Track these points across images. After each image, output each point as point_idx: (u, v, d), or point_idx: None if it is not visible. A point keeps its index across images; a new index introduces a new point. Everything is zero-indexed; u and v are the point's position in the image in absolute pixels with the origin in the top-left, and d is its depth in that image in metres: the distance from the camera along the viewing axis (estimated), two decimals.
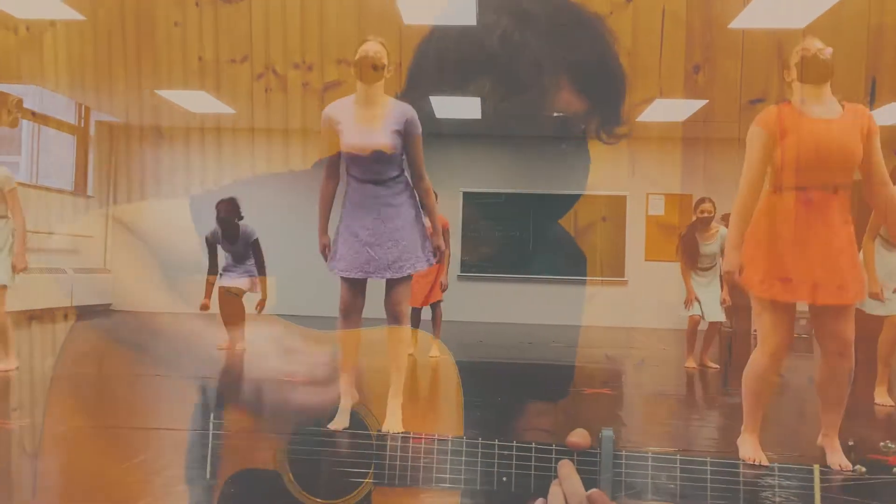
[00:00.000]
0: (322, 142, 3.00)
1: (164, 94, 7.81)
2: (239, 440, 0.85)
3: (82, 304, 7.55)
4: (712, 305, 5.47)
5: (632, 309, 8.74)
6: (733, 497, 0.67)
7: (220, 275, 4.76)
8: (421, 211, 3.01)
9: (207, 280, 4.27)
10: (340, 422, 0.83)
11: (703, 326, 5.58)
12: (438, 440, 0.75)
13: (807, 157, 2.65)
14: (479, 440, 0.73)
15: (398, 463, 0.76)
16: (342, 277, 2.96)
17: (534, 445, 0.72)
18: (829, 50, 2.70)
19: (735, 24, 5.14)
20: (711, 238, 5.42)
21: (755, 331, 2.95)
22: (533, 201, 8.57)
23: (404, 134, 2.87)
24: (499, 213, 9.18)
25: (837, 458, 2.78)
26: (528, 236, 8.67)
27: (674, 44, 5.13)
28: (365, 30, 3.50)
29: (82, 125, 9.22)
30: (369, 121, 2.86)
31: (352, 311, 2.98)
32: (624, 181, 8.90)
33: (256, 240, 4.98)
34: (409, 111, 2.85)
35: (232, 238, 4.70)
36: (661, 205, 9.12)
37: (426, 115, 2.99)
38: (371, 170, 2.87)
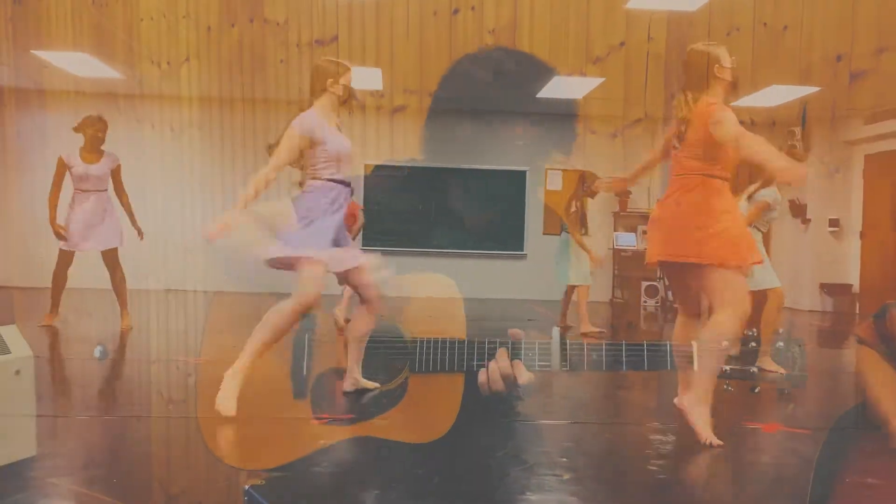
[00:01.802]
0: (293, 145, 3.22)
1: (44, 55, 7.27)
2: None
3: None
4: (583, 269, 5.90)
5: (530, 282, 8.97)
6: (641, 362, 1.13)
7: None
8: None
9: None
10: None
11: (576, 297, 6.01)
12: (443, 342, 1.19)
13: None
14: (457, 339, 1.19)
15: (424, 358, 1.20)
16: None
17: (495, 340, 1.17)
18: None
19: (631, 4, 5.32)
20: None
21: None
22: (435, 175, 8.58)
23: None
24: (401, 186, 9.17)
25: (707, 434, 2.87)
26: (430, 210, 8.69)
27: (656, 76, 6.43)
28: None
29: None
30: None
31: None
32: (524, 157, 9.07)
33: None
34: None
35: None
36: (558, 180, 9.35)
37: None
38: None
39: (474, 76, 1.53)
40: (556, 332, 1.13)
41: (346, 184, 3.31)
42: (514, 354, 1.14)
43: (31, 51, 7.14)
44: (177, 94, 8.73)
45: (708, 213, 2.93)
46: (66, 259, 5.50)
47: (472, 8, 5.62)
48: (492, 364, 1.14)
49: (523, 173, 9.19)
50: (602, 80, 7.46)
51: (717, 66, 2.96)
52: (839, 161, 8.90)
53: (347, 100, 3.34)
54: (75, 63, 7.49)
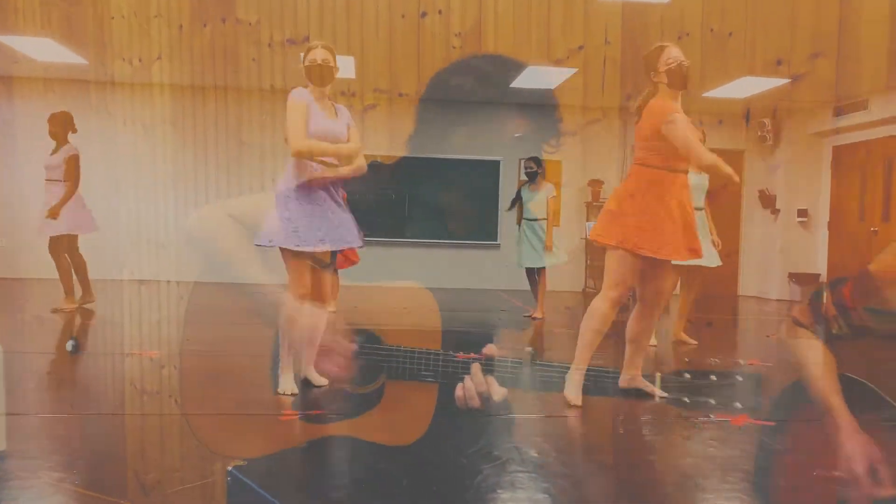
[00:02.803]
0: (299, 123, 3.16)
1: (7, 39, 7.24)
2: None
3: None
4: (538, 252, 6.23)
5: (504, 271, 9.17)
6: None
7: None
8: None
9: None
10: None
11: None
12: (421, 352, 1.22)
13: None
14: (432, 351, 1.22)
15: (399, 366, 1.24)
16: (299, 252, 3.12)
17: (467, 357, 1.20)
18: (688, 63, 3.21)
19: None
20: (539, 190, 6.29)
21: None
22: (409, 165, 8.72)
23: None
24: (375, 176, 9.23)
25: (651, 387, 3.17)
26: (404, 200, 8.81)
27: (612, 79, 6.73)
28: None
29: None
30: (332, 114, 3.29)
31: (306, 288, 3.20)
32: (498, 146, 9.26)
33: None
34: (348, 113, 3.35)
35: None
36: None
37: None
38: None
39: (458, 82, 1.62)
40: (528, 352, 1.31)
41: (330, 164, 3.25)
42: (489, 371, 1.18)
43: None
44: (149, 90, 8.84)
45: (628, 199, 3.20)
46: (52, 245, 5.75)
47: (440, 11, 5.89)
48: (467, 380, 1.17)
49: (497, 163, 9.20)
50: (574, 70, 7.81)
51: (652, 72, 3.25)
52: (808, 153, 9.13)
53: (322, 80, 3.24)
54: (41, 48, 7.40)
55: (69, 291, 5.88)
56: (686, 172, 3.26)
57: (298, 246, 3.08)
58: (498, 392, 1.16)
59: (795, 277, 9.09)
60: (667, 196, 3.18)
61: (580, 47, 6.32)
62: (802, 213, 9.18)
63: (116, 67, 7.98)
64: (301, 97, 3.17)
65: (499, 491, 2.22)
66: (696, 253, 3.29)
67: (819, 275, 8.99)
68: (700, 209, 4.80)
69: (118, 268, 8.36)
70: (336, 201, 3.26)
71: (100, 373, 4.16)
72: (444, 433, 1.25)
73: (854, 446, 1.31)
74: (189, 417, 1.40)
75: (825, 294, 1.42)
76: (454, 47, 6.17)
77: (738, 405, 1.07)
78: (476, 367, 1.17)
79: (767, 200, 9.30)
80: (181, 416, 2.98)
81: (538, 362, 1.17)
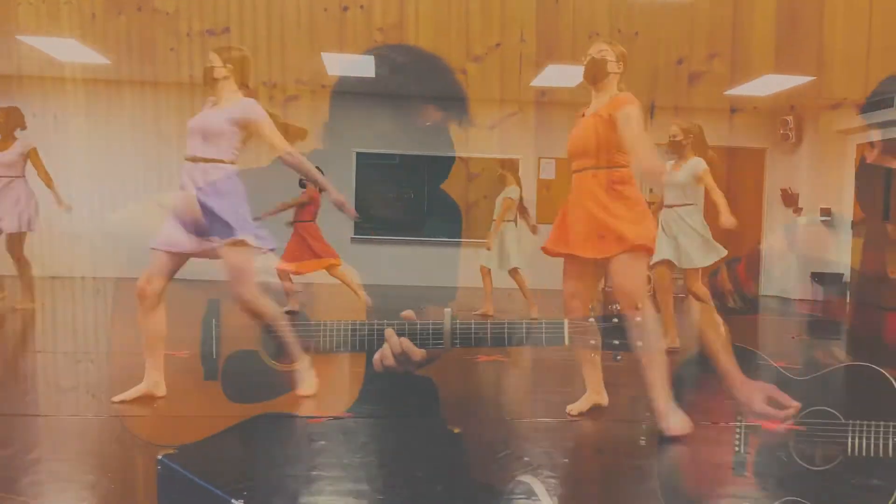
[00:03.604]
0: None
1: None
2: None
3: None
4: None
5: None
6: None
7: None
8: None
9: None
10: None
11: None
12: (339, 324, 1.26)
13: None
14: (353, 322, 1.26)
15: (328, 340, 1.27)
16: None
17: (383, 322, 1.25)
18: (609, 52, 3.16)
19: None
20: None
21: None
22: (427, 163, 8.55)
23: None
24: (393, 174, 9.06)
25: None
26: (423, 198, 8.68)
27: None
28: None
29: None
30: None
31: None
32: (517, 145, 9.02)
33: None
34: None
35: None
36: (552, 169, 9.28)
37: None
38: None
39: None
40: (447, 312, 1.23)
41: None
42: (410, 335, 1.22)
43: None
44: (60, 81, 8.54)
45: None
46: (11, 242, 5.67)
47: (361, 6, 6.02)
48: (385, 344, 1.23)
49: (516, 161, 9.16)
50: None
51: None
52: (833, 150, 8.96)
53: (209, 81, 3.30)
54: None
55: (29, 289, 5.72)
56: (594, 168, 3.15)
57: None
58: (416, 353, 1.21)
59: (818, 277, 8.91)
60: (574, 193, 3.20)
61: (497, 44, 6.59)
62: (825, 211, 8.89)
63: (24, 55, 7.69)
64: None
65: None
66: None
67: (842, 274, 8.58)
68: (684, 205, 4.73)
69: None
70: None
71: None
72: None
73: (749, 390, 1.53)
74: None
75: (722, 271, 1.58)
76: (376, 41, 6.31)
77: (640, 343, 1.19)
78: (389, 331, 1.22)
79: (790, 199, 9.14)
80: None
81: (457, 321, 1.21)
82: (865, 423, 1.46)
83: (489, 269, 6.42)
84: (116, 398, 3.11)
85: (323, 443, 1.59)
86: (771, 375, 1.58)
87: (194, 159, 3.18)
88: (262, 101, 8.92)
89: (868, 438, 1.45)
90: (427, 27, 6.11)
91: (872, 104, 3.16)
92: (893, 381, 1.46)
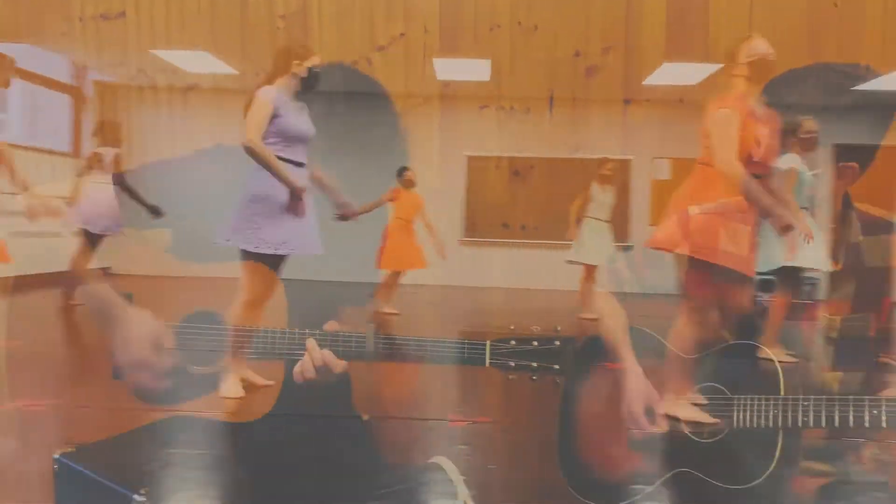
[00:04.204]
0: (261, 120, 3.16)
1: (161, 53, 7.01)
2: None
3: None
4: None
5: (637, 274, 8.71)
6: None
7: None
8: None
9: None
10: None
11: None
12: (260, 331, 1.28)
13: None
14: (274, 330, 1.27)
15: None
16: (262, 254, 3.07)
17: (304, 332, 1.27)
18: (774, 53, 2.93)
19: None
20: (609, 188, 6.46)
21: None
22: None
23: None
24: (503, 177, 9.15)
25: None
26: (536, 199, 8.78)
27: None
28: None
29: (78, 85, 8.48)
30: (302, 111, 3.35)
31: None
32: (629, 145, 8.87)
33: None
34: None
35: None
36: (666, 169, 9.00)
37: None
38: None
39: None
40: (369, 326, 1.23)
41: (298, 163, 3.26)
42: (332, 346, 1.22)
43: None
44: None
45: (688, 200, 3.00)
46: None
47: None
48: (305, 356, 1.22)
49: (627, 162, 8.93)
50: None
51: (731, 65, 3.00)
52: None
53: (313, 85, 3.31)
54: None
55: None
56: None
57: (258, 248, 3.06)
58: (337, 365, 1.21)
59: None
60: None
61: (401, 34, 6.64)
62: None
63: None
64: (271, 96, 3.19)
65: None
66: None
67: None
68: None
69: None
70: (304, 206, 3.24)
71: None
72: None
73: (636, 389, 1.55)
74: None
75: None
76: (279, 28, 6.24)
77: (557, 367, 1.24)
78: (311, 342, 1.22)
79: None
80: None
81: (379, 335, 1.22)
82: (748, 397, 1.52)
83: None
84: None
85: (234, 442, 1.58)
86: (662, 353, 1.66)
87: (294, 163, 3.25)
88: (161, 91, 8.56)
89: (751, 412, 1.52)
90: (329, 14, 6.10)
91: None
92: (775, 360, 1.54)
